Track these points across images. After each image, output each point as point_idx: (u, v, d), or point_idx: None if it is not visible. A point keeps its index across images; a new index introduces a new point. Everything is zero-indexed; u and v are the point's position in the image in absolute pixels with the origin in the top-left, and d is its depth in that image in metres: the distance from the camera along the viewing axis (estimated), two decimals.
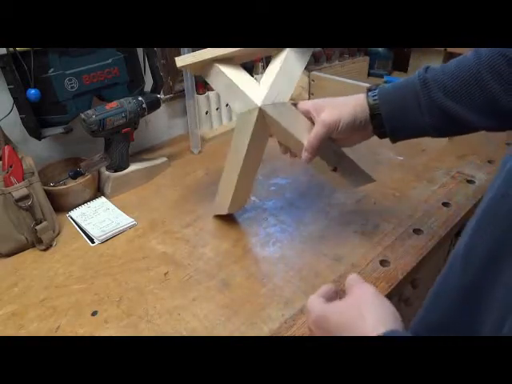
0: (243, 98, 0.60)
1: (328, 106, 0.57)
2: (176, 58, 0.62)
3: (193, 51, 0.63)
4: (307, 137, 0.58)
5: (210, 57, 0.61)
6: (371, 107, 0.56)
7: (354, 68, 1.35)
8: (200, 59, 0.61)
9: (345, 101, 0.58)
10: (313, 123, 0.59)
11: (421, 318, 0.42)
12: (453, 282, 0.37)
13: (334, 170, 0.64)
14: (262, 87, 0.60)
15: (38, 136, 0.76)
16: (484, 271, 0.33)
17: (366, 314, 0.36)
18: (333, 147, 0.64)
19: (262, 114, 0.58)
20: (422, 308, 0.42)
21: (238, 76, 0.62)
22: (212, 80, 0.63)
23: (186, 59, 0.62)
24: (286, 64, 0.62)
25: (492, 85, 0.47)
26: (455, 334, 0.37)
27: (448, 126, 0.53)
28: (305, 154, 0.58)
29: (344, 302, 0.40)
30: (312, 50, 0.68)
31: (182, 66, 0.62)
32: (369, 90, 0.58)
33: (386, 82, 1.42)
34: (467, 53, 0.52)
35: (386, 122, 0.55)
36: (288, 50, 0.62)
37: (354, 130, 0.57)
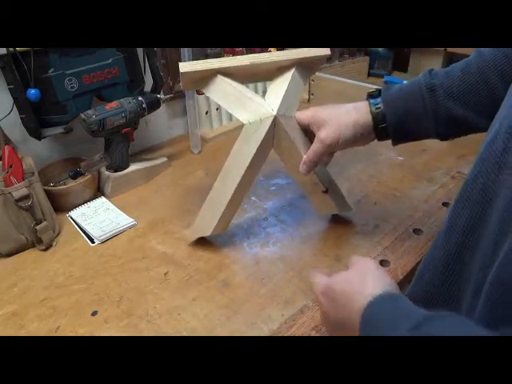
0: (254, 107, 0.59)
1: (328, 120, 0.57)
2: (180, 64, 0.60)
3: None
4: (305, 151, 0.59)
5: (214, 67, 0.61)
6: (375, 117, 0.55)
7: (354, 68, 1.35)
8: (204, 68, 0.61)
9: (345, 113, 0.57)
10: (311, 134, 0.60)
11: (409, 290, 0.44)
12: (437, 255, 0.39)
13: (326, 191, 0.65)
14: (271, 100, 0.60)
15: (38, 136, 0.76)
16: (464, 240, 0.36)
17: (367, 280, 0.39)
18: (324, 170, 0.65)
19: (274, 123, 0.58)
20: (410, 284, 0.45)
21: (244, 88, 0.62)
22: (212, 90, 0.62)
23: (190, 66, 0.61)
24: (293, 82, 0.63)
25: (499, 86, 0.48)
26: (439, 303, 0.40)
27: (453, 129, 0.54)
28: (303, 167, 0.59)
29: (347, 272, 0.43)
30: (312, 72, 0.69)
31: (184, 73, 0.60)
32: (370, 95, 0.57)
33: (385, 83, 1.42)
34: (469, 57, 0.52)
35: (391, 130, 0.55)
36: (294, 69, 0.63)
37: (354, 143, 0.58)
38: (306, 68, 0.67)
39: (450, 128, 0.53)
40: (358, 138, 0.57)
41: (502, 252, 0.30)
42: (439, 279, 0.39)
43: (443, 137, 0.55)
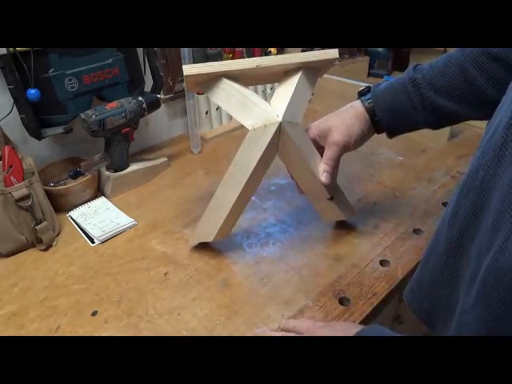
0: (259, 112, 0.57)
1: (333, 126, 0.60)
2: (184, 66, 0.59)
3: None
4: (313, 161, 0.60)
5: (218, 70, 0.59)
6: (370, 113, 0.59)
7: (354, 68, 1.35)
8: (209, 71, 0.59)
9: (345, 114, 0.60)
10: (321, 148, 0.62)
11: (415, 275, 0.46)
12: (441, 240, 0.41)
13: (331, 198, 0.64)
14: (276, 106, 0.58)
15: (38, 136, 0.76)
16: (465, 228, 0.37)
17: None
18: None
19: (279, 130, 0.56)
20: (417, 269, 0.46)
21: (249, 92, 0.60)
22: (216, 93, 0.60)
23: (193, 69, 0.58)
24: (300, 86, 0.61)
25: (479, 80, 0.52)
26: (441, 289, 0.41)
27: (439, 119, 0.57)
28: (326, 176, 0.60)
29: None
30: (318, 76, 0.67)
31: (188, 76, 0.58)
32: (361, 93, 0.61)
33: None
34: (452, 51, 0.56)
35: (383, 123, 0.59)
36: (301, 73, 0.61)
37: (363, 139, 0.61)
38: (313, 71, 0.65)
39: (437, 118, 0.57)
40: (365, 134, 0.60)
41: (497, 241, 0.31)
42: (442, 265, 0.41)
43: (434, 126, 0.59)
